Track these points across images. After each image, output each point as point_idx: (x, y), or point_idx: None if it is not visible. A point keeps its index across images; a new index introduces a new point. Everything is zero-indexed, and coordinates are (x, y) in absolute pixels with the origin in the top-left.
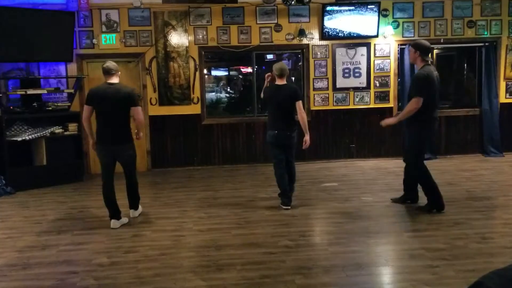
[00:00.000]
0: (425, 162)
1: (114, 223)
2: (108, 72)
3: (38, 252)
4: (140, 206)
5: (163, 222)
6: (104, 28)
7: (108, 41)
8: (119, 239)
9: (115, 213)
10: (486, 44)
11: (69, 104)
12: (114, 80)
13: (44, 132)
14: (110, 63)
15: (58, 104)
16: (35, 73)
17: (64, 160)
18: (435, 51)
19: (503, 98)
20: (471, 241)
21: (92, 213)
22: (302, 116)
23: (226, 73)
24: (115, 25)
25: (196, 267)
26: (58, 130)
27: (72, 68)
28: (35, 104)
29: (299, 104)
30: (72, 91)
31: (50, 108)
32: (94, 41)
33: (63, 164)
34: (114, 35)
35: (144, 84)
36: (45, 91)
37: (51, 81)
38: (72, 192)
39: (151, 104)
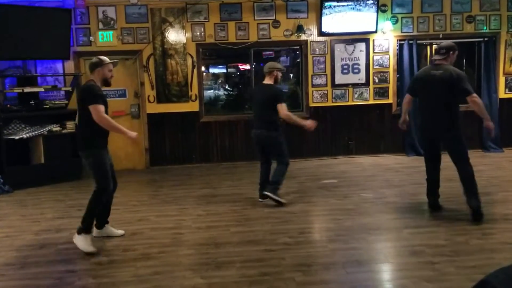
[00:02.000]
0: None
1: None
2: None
3: (36, 251)
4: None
5: (161, 220)
6: (101, 26)
7: (105, 38)
8: (117, 237)
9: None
10: (485, 39)
11: (67, 102)
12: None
13: (41, 130)
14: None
15: (56, 102)
16: (32, 71)
17: (62, 158)
18: (434, 47)
19: (502, 93)
20: (472, 237)
21: None
22: (285, 117)
23: (224, 70)
24: (112, 22)
25: (195, 265)
26: (55, 128)
27: (69, 65)
28: (32, 102)
29: (280, 107)
30: (69, 89)
31: (47, 106)
32: (91, 38)
33: (61, 163)
34: (111, 32)
35: (141, 82)
36: (42, 89)
37: (48, 79)
38: (70, 190)
39: (149, 101)
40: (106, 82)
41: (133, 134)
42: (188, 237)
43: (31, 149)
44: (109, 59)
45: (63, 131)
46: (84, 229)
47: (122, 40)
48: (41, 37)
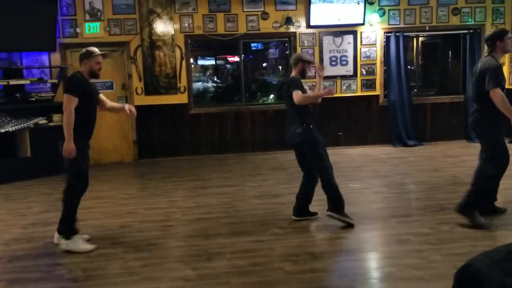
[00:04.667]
0: (411, 149)
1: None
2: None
3: (24, 245)
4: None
5: (151, 213)
6: (87, 17)
7: (92, 29)
8: (106, 230)
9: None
10: (471, 31)
11: (53, 94)
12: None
13: (27, 123)
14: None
15: (42, 95)
16: (17, 63)
17: (48, 151)
18: (420, 39)
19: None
20: (456, 226)
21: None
22: (300, 102)
23: (213, 62)
24: (99, 13)
25: (185, 257)
26: (42, 121)
27: (56, 57)
28: (18, 95)
29: (294, 94)
30: (55, 81)
31: (33, 99)
32: (78, 30)
33: (47, 156)
34: (98, 23)
35: (129, 74)
36: (28, 82)
37: (34, 71)
38: (57, 184)
39: (137, 93)
40: (94, 74)
41: (72, 148)
42: (178, 229)
43: (17, 142)
44: (101, 50)
45: (50, 124)
46: (70, 232)
47: (109, 32)
48: (26, 29)
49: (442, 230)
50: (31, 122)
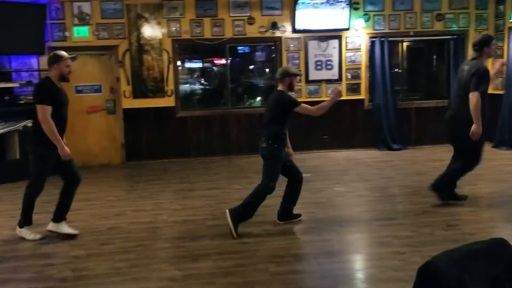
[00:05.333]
0: (396, 152)
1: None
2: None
3: (14, 246)
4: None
5: (138, 215)
6: (76, 21)
7: (81, 33)
8: (95, 232)
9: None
10: (455, 36)
11: None
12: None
13: (16, 126)
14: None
15: (31, 98)
16: (6, 66)
17: None
18: (405, 44)
19: None
20: (437, 229)
21: None
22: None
23: (200, 65)
24: (87, 17)
25: (171, 258)
26: (30, 124)
27: (44, 61)
28: (6, 97)
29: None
30: None
31: (22, 102)
32: (66, 33)
33: None
34: (86, 27)
35: (117, 77)
36: (17, 85)
37: (23, 75)
38: (46, 186)
39: (125, 97)
40: (64, 78)
41: (67, 151)
42: (165, 231)
43: (6, 145)
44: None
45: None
46: (25, 222)
47: (97, 36)
48: (15, 32)
49: (422, 233)
50: (20, 124)
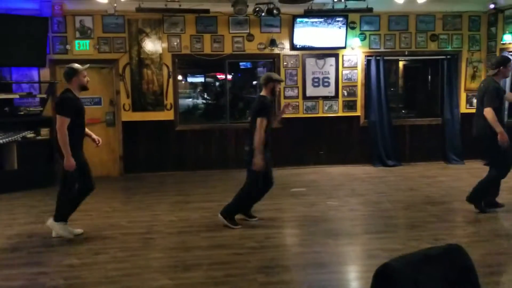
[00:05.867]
0: (390, 169)
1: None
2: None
3: (8, 254)
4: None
5: (133, 225)
6: (77, 34)
7: (82, 47)
8: (89, 241)
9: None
10: (448, 57)
11: (41, 109)
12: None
13: (15, 136)
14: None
15: (30, 109)
16: (7, 77)
17: (35, 164)
18: (401, 63)
19: (463, 108)
20: (424, 242)
21: None
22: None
23: (200, 79)
24: (89, 31)
25: (164, 267)
26: (30, 135)
27: (45, 73)
28: (6, 109)
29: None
30: (44, 96)
31: (22, 113)
32: (68, 47)
33: (34, 169)
34: (88, 41)
35: (117, 90)
36: (17, 96)
37: (23, 86)
38: (43, 197)
39: (124, 109)
40: (84, 88)
41: (72, 163)
42: (159, 241)
43: (4, 155)
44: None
45: (38, 137)
46: (62, 218)
47: (98, 49)
48: (17, 44)
49: (410, 246)
50: (18, 135)
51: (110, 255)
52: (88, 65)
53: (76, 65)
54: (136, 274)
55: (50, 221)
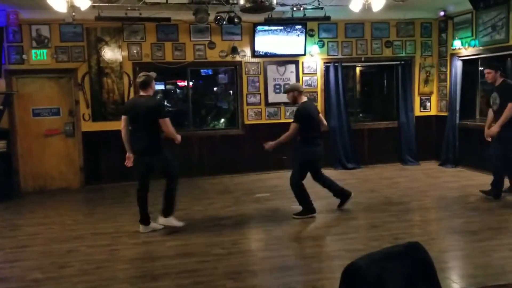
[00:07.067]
0: (350, 171)
1: (142, 228)
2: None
3: None
4: (166, 219)
5: (98, 237)
6: (34, 44)
7: (39, 56)
8: (53, 255)
9: (143, 219)
10: (402, 62)
11: None
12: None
13: None
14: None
15: None
16: None
17: None
18: (358, 69)
19: (417, 111)
20: (385, 242)
21: (24, 231)
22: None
23: (162, 87)
24: (46, 40)
25: (131, 278)
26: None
27: (1, 84)
28: None
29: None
30: (0, 107)
31: None
32: (24, 56)
33: None
34: (45, 50)
35: (76, 100)
36: None
37: None
38: (2, 211)
39: (84, 120)
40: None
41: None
42: (125, 252)
43: None
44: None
45: None
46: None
47: (56, 59)
48: None
49: (372, 246)
50: None
51: (75, 268)
52: (155, 73)
53: (152, 73)
54: (104, 286)
55: (163, 220)
